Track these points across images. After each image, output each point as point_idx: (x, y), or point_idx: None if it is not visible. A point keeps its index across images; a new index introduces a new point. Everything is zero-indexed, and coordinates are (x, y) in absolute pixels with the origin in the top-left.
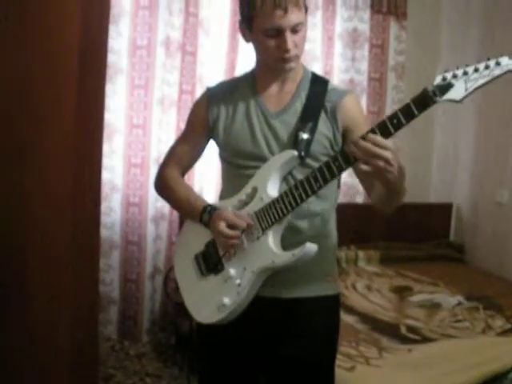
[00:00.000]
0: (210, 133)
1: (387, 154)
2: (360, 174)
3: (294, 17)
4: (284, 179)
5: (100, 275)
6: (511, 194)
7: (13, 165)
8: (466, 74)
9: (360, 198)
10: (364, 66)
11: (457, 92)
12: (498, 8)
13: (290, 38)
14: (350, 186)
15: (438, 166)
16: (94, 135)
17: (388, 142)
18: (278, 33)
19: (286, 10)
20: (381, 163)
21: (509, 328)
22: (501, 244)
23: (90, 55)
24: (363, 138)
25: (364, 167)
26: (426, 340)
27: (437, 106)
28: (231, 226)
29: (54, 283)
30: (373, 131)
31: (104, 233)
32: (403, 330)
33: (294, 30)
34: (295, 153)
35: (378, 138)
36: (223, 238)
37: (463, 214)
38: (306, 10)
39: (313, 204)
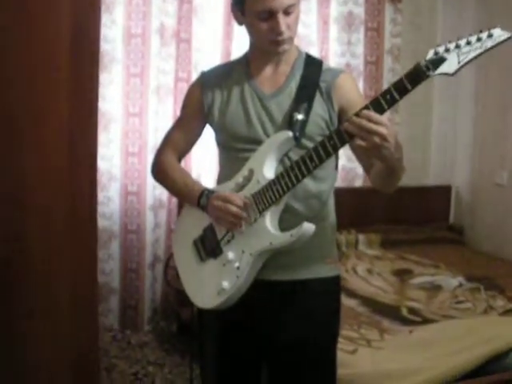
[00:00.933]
0: (205, 117)
1: (382, 130)
2: (358, 154)
3: None
4: (280, 161)
5: (100, 265)
6: (510, 176)
7: (13, 152)
8: (458, 47)
9: (359, 181)
10: (360, 49)
11: (449, 65)
12: None
13: (283, 20)
14: (348, 169)
15: (437, 148)
16: (88, 123)
17: (383, 118)
18: (271, 15)
19: None
20: (376, 139)
21: (510, 308)
22: (500, 225)
23: (82, 43)
24: (357, 114)
25: (360, 142)
26: (427, 322)
27: (435, 89)
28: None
29: (52, 273)
30: (366, 107)
31: (103, 223)
32: (404, 312)
33: (287, 12)
34: (290, 134)
35: (372, 114)
36: (224, 214)
37: (462, 196)
38: None
39: (310, 185)
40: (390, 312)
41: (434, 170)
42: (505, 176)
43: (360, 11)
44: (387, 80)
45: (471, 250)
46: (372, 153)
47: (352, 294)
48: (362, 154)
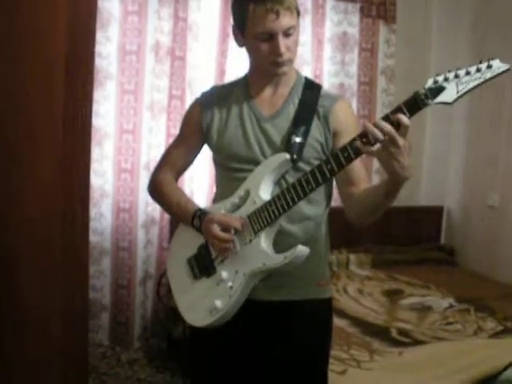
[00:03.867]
0: (204, 137)
1: (401, 141)
2: (340, 183)
3: (286, 20)
4: (277, 183)
5: (91, 281)
6: (502, 198)
7: (6, 166)
8: (457, 76)
9: None
10: (354, 69)
11: (448, 94)
12: (488, 11)
13: (283, 42)
14: None
15: (429, 169)
16: (82, 139)
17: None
18: (271, 37)
19: (277, 14)
20: (393, 149)
21: (500, 330)
22: (491, 247)
23: (77, 60)
24: (384, 119)
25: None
26: (417, 343)
27: (428, 110)
28: (225, 229)
29: (44, 289)
30: (364, 135)
31: (94, 239)
32: (394, 333)
33: (287, 34)
34: (287, 156)
35: (404, 119)
36: (217, 241)
37: (454, 217)
38: (298, 13)
39: (305, 208)
40: (380, 333)
41: (425, 191)
42: (496, 198)
43: (354, 31)
44: (381, 100)
45: (462, 271)
46: (385, 162)
47: (342, 315)
48: (343, 186)
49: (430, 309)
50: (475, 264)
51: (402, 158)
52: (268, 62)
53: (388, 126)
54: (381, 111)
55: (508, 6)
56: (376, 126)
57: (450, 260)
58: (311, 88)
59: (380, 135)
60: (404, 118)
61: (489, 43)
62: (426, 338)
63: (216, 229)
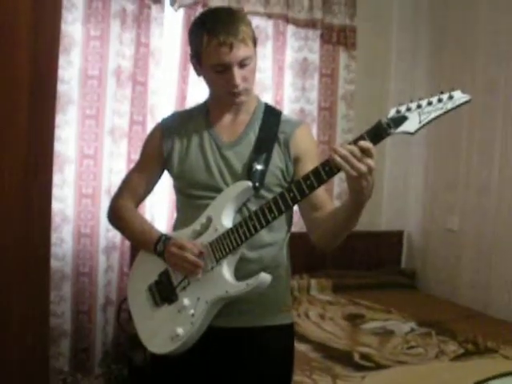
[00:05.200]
0: (165, 164)
1: (371, 162)
2: (304, 211)
3: (240, 52)
4: (239, 210)
5: (51, 307)
6: (461, 221)
7: None
8: (419, 106)
9: None
10: (314, 95)
11: (411, 124)
12: (445, 38)
13: (238, 73)
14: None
15: (389, 194)
16: (43, 164)
17: (373, 150)
18: (226, 68)
19: (231, 47)
20: (364, 168)
21: (462, 353)
22: (452, 270)
23: (40, 85)
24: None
25: (350, 171)
26: (379, 367)
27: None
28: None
29: (3, 314)
30: (327, 163)
31: (55, 264)
32: (356, 358)
33: (242, 65)
34: (249, 184)
35: (367, 144)
36: (181, 261)
37: (414, 241)
38: (255, 42)
39: (265, 235)
40: (343, 357)
41: (386, 215)
42: (456, 221)
43: (315, 58)
44: (341, 126)
45: (423, 294)
46: (356, 182)
47: (304, 339)
48: (306, 212)
49: (392, 333)
50: (436, 287)
51: (370, 177)
52: (225, 93)
53: (353, 154)
54: (341, 137)
55: (464, 33)
56: (341, 157)
57: (411, 284)
58: (271, 114)
59: (348, 167)
60: (365, 144)
61: (447, 69)
62: (388, 362)
63: (183, 252)
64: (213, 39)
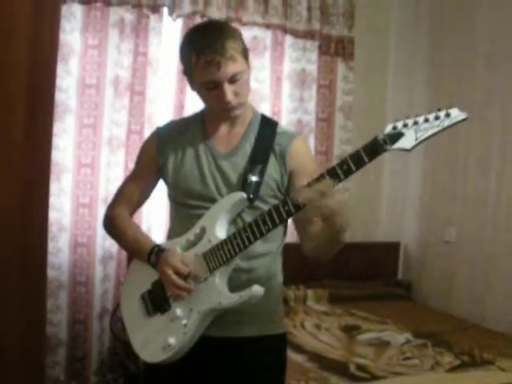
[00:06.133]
0: (160, 173)
1: (331, 203)
2: (297, 223)
3: (228, 69)
4: (233, 221)
5: (48, 316)
6: (458, 233)
7: None
8: (416, 123)
9: None
10: (312, 106)
11: (407, 141)
12: (443, 50)
13: (229, 89)
14: None
15: (387, 205)
16: (41, 173)
17: (331, 190)
18: (216, 85)
19: (218, 66)
20: (326, 211)
21: (458, 364)
22: (448, 282)
23: (38, 94)
24: (309, 185)
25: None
26: (374, 378)
27: None
28: (177, 273)
29: (1, 323)
30: (322, 176)
31: (51, 273)
32: (352, 369)
33: (233, 80)
34: (244, 195)
35: (322, 187)
36: (172, 286)
37: (411, 252)
38: (247, 55)
39: (259, 246)
40: (338, 368)
41: (383, 227)
42: (453, 233)
43: (313, 68)
44: (338, 137)
45: (419, 306)
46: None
47: (300, 350)
48: (300, 225)
49: (388, 344)
50: (432, 299)
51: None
52: (218, 108)
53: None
54: (338, 148)
55: (462, 46)
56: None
57: (407, 295)
58: (267, 125)
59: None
60: (324, 186)
61: (444, 82)
62: (383, 373)
63: (171, 273)
64: (200, 58)
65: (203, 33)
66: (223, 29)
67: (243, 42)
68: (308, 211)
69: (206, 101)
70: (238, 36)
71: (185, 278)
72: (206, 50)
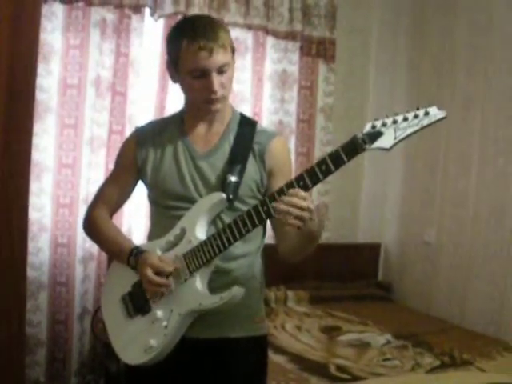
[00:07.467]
0: (139, 173)
1: (310, 204)
2: (274, 224)
3: (219, 58)
4: (212, 222)
5: (27, 316)
6: (438, 234)
7: None
8: (395, 122)
9: None
10: (293, 107)
11: (386, 140)
12: (424, 53)
13: (216, 79)
14: None
15: (367, 206)
16: (21, 173)
17: (305, 194)
18: (204, 74)
19: (211, 52)
20: (306, 214)
21: (438, 365)
22: (428, 283)
23: (18, 93)
24: (282, 192)
25: (292, 221)
26: (355, 379)
27: None
28: (158, 273)
29: None
30: (301, 177)
31: (31, 273)
32: (332, 370)
33: (220, 71)
34: (223, 195)
35: (297, 191)
36: (152, 285)
37: (391, 253)
38: (233, 50)
39: (239, 247)
40: (319, 369)
41: (363, 228)
42: (432, 234)
43: (294, 69)
44: (319, 138)
45: (399, 307)
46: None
47: (280, 351)
48: (276, 225)
49: (368, 345)
50: (412, 300)
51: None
52: (201, 99)
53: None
54: (319, 149)
55: (443, 49)
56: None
57: (388, 296)
58: (247, 124)
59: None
60: (298, 195)
61: (425, 84)
62: (364, 374)
63: (150, 272)
64: (192, 44)
65: (196, 22)
66: (215, 20)
67: (231, 39)
68: (283, 219)
69: (189, 91)
70: (227, 30)
71: (166, 277)
72: (200, 36)
